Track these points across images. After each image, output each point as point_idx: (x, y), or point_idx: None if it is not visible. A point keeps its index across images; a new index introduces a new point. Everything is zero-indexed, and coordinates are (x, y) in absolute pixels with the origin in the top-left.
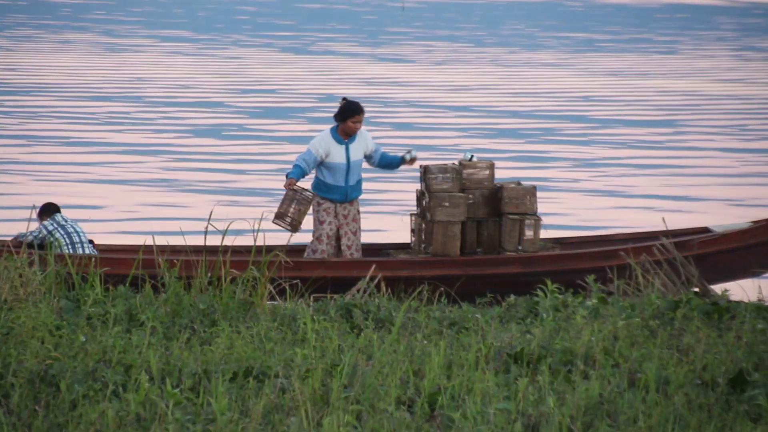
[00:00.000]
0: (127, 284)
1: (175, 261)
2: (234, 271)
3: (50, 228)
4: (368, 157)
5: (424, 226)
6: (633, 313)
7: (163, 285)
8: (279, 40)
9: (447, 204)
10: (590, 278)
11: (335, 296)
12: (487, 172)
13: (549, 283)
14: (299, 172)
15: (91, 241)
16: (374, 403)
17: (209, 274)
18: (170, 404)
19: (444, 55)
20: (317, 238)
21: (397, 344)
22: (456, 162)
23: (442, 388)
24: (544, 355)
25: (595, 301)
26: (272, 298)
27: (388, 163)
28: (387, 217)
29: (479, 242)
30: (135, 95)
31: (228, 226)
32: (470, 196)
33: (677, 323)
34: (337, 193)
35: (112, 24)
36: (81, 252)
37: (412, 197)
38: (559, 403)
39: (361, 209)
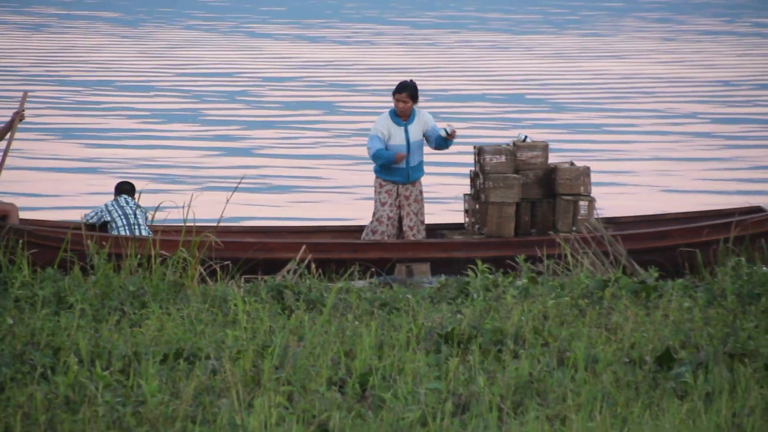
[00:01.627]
0: (56, 266)
1: (104, 242)
2: (164, 252)
3: (110, 208)
4: (427, 138)
5: (477, 206)
6: (562, 293)
7: (92, 267)
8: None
9: (501, 185)
10: (520, 258)
11: (266, 277)
12: (541, 153)
13: (480, 263)
14: (379, 152)
15: None
16: (305, 383)
17: (139, 256)
18: (100, 386)
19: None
20: (377, 219)
21: (328, 325)
22: (510, 143)
23: (373, 368)
24: (474, 335)
25: (525, 281)
26: (203, 280)
27: (440, 144)
28: (441, 198)
29: (533, 223)
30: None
31: (157, 207)
32: (524, 177)
33: (606, 302)
34: (399, 175)
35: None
36: (137, 234)
37: (466, 178)
38: (489, 382)
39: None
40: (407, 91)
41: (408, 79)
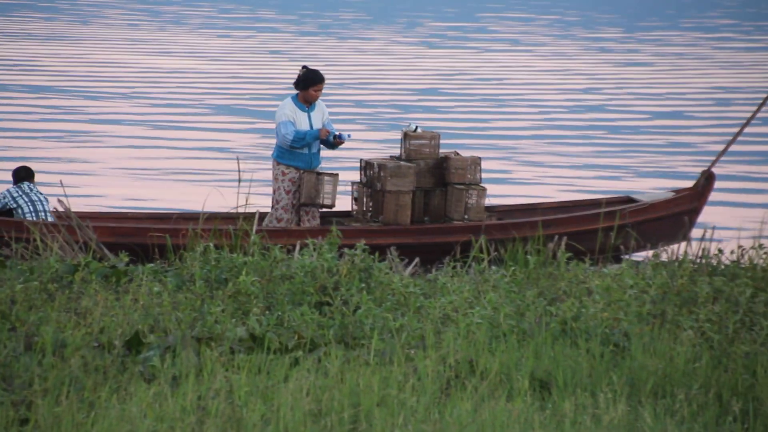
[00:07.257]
0: None
1: None
2: None
3: (15, 195)
4: None
5: (371, 195)
6: (32, 277)
7: None
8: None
9: (396, 174)
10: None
11: None
12: (432, 142)
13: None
14: (299, 134)
15: None
16: None
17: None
18: None
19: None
20: (283, 207)
21: None
22: (401, 133)
23: None
24: None
25: None
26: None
27: (326, 143)
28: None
29: (426, 211)
30: None
31: None
32: (415, 166)
33: (76, 286)
34: (301, 161)
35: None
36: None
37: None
38: None
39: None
40: (324, 81)
41: (303, 66)
